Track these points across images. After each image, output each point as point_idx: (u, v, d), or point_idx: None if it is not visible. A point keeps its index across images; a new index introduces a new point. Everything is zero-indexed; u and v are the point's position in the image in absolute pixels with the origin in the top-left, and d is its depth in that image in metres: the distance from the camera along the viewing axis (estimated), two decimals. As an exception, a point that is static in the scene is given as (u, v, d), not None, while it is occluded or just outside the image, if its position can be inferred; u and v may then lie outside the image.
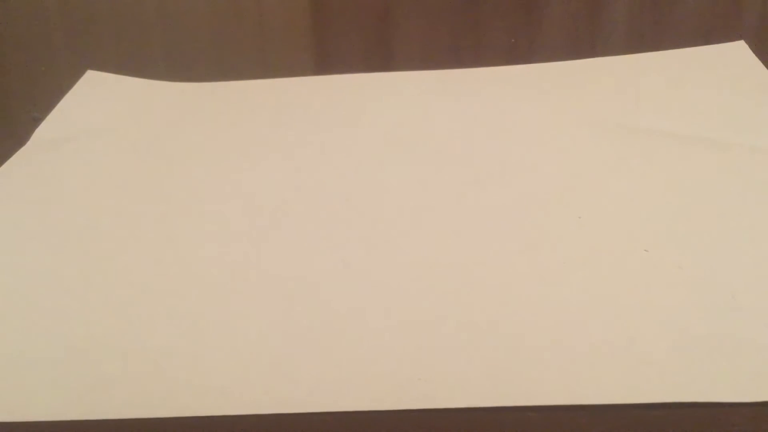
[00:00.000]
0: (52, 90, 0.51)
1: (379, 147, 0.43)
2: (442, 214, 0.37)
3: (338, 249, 0.35)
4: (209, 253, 0.36)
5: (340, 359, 0.29)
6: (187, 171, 0.42)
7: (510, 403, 0.27)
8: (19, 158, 0.44)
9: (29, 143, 0.46)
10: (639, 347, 0.29)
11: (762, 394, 0.27)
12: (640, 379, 0.28)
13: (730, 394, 0.27)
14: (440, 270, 0.34)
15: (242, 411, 0.28)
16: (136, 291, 0.34)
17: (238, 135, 0.46)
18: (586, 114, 0.45)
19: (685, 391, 0.27)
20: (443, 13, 0.63)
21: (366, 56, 0.58)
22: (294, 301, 0.33)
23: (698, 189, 0.38)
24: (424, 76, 0.51)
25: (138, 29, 0.64)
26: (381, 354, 0.30)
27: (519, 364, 0.29)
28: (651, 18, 0.59)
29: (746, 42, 0.50)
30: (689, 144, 0.41)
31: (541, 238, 0.35)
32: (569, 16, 0.62)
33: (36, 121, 0.48)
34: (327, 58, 0.60)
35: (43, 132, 0.47)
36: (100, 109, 0.49)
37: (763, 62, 0.48)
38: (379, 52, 0.59)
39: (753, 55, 0.49)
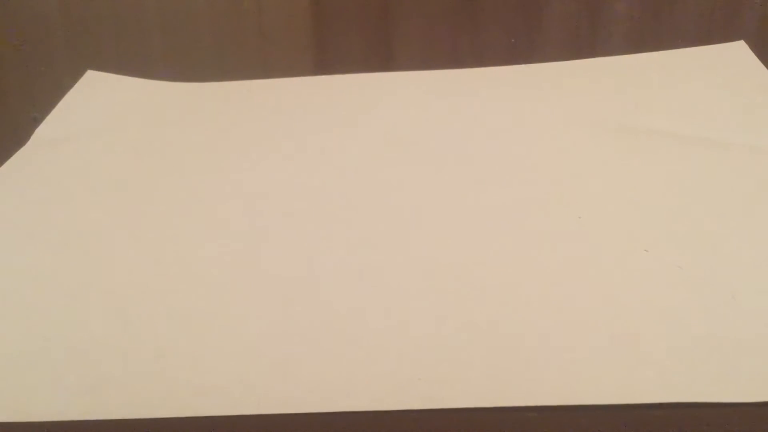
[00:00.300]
0: (52, 90, 0.51)
1: (379, 147, 0.43)
2: (441, 214, 0.37)
3: (338, 249, 0.35)
4: (209, 253, 0.36)
5: (340, 359, 0.30)
6: (187, 171, 0.42)
7: (510, 403, 0.27)
8: (19, 158, 0.44)
9: (29, 143, 0.46)
10: (639, 347, 0.29)
11: (762, 394, 0.27)
12: (640, 379, 0.28)
13: (730, 394, 0.27)
14: (440, 270, 0.34)
15: (242, 411, 0.28)
16: (136, 291, 0.34)
17: (238, 135, 0.46)
18: (586, 114, 0.45)
19: (685, 391, 0.27)
20: (443, 13, 0.63)
21: (366, 56, 0.58)
22: (294, 301, 0.33)
23: (698, 189, 0.38)
24: (424, 76, 0.51)
25: (138, 29, 0.64)
26: (381, 354, 0.30)
27: (519, 364, 0.29)
28: (651, 18, 0.59)
29: (746, 42, 0.50)
30: (689, 144, 0.41)
31: (541, 238, 0.35)
32: (569, 16, 0.62)
33: (36, 121, 0.48)
34: (327, 58, 0.60)
35: (43, 132, 0.47)
36: (100, 109, 0.49)
37: (763, 62, 0.48)
38: (379, 52, 0.59)
39: (753, 55, 0.49)
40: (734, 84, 0.47)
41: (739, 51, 0.50)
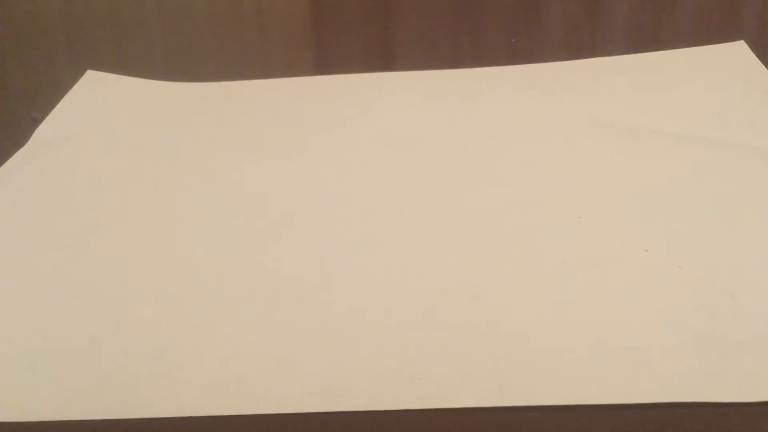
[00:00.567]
0: (52, 90, 0.51)
1: (378, 147, 0.43)
2: (441, 214, 0.37)
3: (338, 249, 0.35)
4: (209, 253, 0.36)
5: (339, 359, 0.29)
6: (186, 171, 0.42)
7: (510, 403, 0.27)
8: (19, 158, 0.44)
9: (29, 143, 0.46)
10: (639, 347, 0.29)
11: (762, 394, 0.27)
12: (640, 379, 0.28)
13: (730, 394, 0.27)
14: (440, 270, 0.34)
15: (242, 411, 0.28)
16: (136, 291, 0.34)
17: (238, 135, 0.46)
18: (586, 114, 0.45)
19: (685, 391, 0.27)
20: (443, 13, 0.63)
21: (366, 56, 0.58)
22: (294, 301, 0.33)
23: (698, 189, 0.38)
24: (424, 76, 0.51)
25: (138, 29, 0.64)
26: (380, 354, 0.30)
27: (519, 364, 0.29)
28: (651, 18, 0.59)
29: (746, 42, 0.50)
30: (689, 144, 0.41)
31: (541, 238, 0.35)
32: (569, 16, 0.62)
33: (36, 121, 0.48)
34: (327, 58, 0.60)
35: (43, 132, 0.47)
36: (100, 109, 0.49)
37: (763, 62, 0.48)
38: (379, 52, 0.59)
39: (753, 55, 0.49)
40: (734, 84, 0.47)
41: (739, 51, 0.50)
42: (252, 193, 0.40)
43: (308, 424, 0.27)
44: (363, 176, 0.41)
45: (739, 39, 0.51)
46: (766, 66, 0.48)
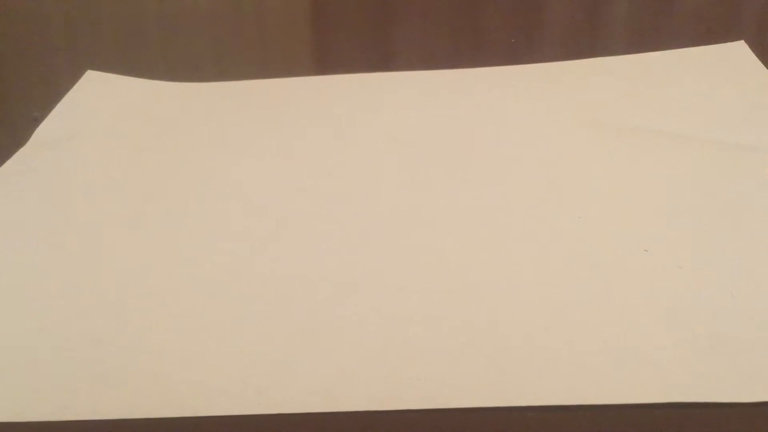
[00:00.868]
0: (52, 90, 0.51)
1: (378, 147, 0.43)
2: (441, 214, 0.37)
3: (338, 248, 0.35)
4: (209, 253, 0.36)
5: (339, 359, 0.29)
6: (186, 171, 0.42)
7: (510, 403, 0.27)
8: (19, 158, 0.44)
9: (29, 143, 0.46)
10: (639, 347, 0.29)
11: (762, 394, 0.27)
12: (640, 379, 0.28)
13: (730, 394, 0.27)
14: (440, 270, 0.34)
15: (242, 411, 0.28)
16: (136, 291, 0.34)
17: (238, 135, 0.46)
18: (586, 114, 0.45)
19: (685, 391, 0.27)
20: (443, 13, 0.63)
21: (366, 56, 0.58)
22: (294, 300, 0.33)
23: (698, 189, 0.38)
24: (424, 76, 0.51)
25: (138, 29, 0.64)
26: (380, 354, 0.30)
27: (519, 364, 0.29)
28: (651, 18, 0.59)
29: (746, 42, 0.50)
30: (689, 144, 0.41)
31: (541, 238, 0.35)
32: (569, 16, 0.62)
33: (36, 121, 0.48)
34: (327, 58, 0.60)
35: (43, 132, 0.47)
36: (100, 109, 0.49)
37: (763, 62, 0.48)
38: (379, 52, 0.59)
39: (753, 55, 0.49)
40: (734, 84, 0.47)
41: (739, 51, 0.50)
42: (251, 192, 0.40)
43: (308, 424, 0.27)
44: (362, 176, 0.41)
45: (739, 39, 0.51)
46: (766, 66, 0.48)
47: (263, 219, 0.38)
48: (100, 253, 0.36)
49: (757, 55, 0.49)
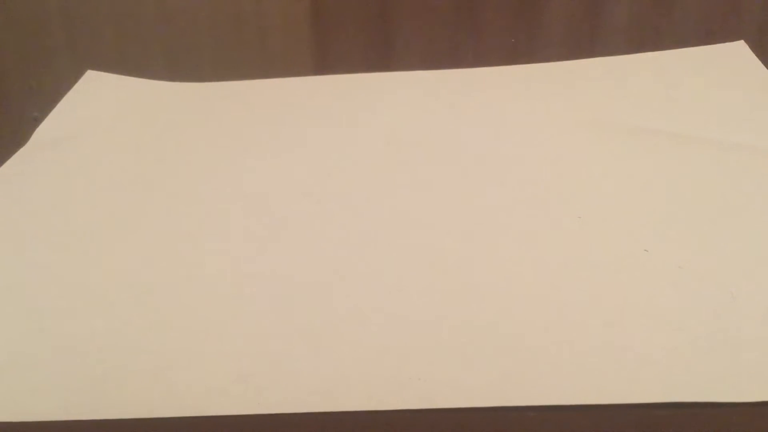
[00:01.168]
0: (52, 90, 0.51)
1: (378, 147, 0.43)
2: (441, 214, 0.37)
3: (338, 248, 0.35)
4: (208, 253, 0.36)
5: (339, 359, 0.29)
6: (186, 171, 0.42)
7: (510, 403, 0.27)
8: (19, 158, 0.44)
9: (29, 143, 0.46)
10: (639, 347, 0.29)
11: (762, 394, 0.27)
12: (640, 379, 0.28)
13: (730, 394, 0.27)
14: (440, 270, 0.34)
15: (242, 411, 0.28)
16: (136, 291, 0.34)
17: (238, 135, 0.46)
18: (585, 114, 0.45)
19: (685, 391, 0.27)
20: (443, 13, 0.63)
21: (366, 56, 0.58)
22: (294, 300, 0.33)
23: (698, 189, 0.38)
24: (424, 76, 0.51)
25: (138, 29, 0.64)
26: (380, 354, 0.30)
27: (519, 364, 0.29)
28: (651, 18, 0.59)
29: (746, 42, 0.50)
30: (689, 144, 0.41)
31: (541, 238, 0.35)
32: (569, 16, 0.62)
33: (36, 121, 0.48)
34: (327, 58, 0.60)
35: (43, 132, 0.47)
36: (100, 109, 0.49)
37: (763, 62, 0.48)
38: (379, 52, 0.59)
39: (753, 55, 0.49)
40: (734, 84, 0.47)
41: (739, 51, 0.50)
42: (251, 192, 0.40)
43: (308, 424, 0.27)
44: (362, 176, 0.41)
45: (739, 39, 0.51)
46: (766, 66, 0.48)
47: (263, 219, 0.38)
48: (100, 253, 0.36)
49: (757, 55, 0.49)
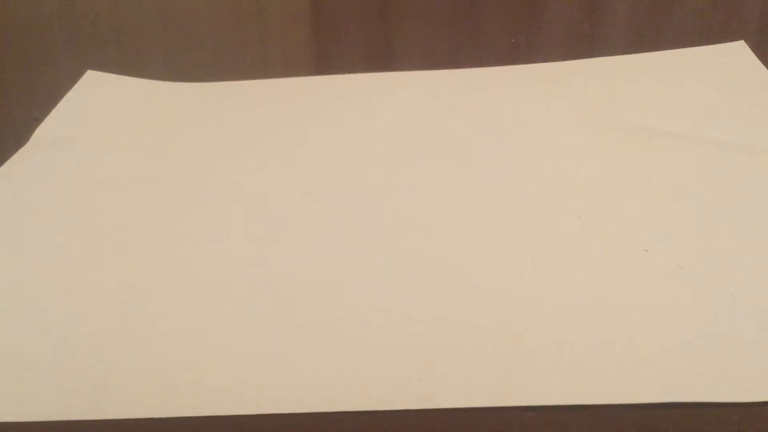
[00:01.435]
0: (52, 90, 0.51)
1: (379, 147, 0.43)
2: (441, 215, 0.37)
3: (338, 249, 0.35)
4: (209, 253, 0.36)
5: (339, 359, 0.29)
6: (186, 171, 0.42)
7: (510, 403, 0.27)
8: (19, 158, 0.44)
9: (29, 143, 0.46)
10: (639, 347, 0.29)
11: (762, 394, 0.27)
12: (640, 379, 0.28)
13: (730, 394, 0.27)
14: (440, 270, 0.34)
15: (242, 411, 0.28)
16: (137, 291, 0.34)
17: (238, 135, 0.46)
18: (586, 114, 0.45)
19: (685, 391, 0.27)
20: (443, 13, 0.63)
21: (366, 56, 0.58)
22: (294, 300, 0.33)
23: (698, 189, 0.38)
24: (424, 76, 0.51)
25: (138, 29, 0.64)
26: (380, 354, 0.30)
27: (519, 364, 0.29)
28: (651, 18, 0.59)
29: (746, 42, 0.50)
30: (689, 144, 0.41)
31: (541, 238, 0.35)
32: (569, 16, 0.62)
33: (36, 121, 0.48)
34: (327, 58, 0.60)
35: (43, 132, 0.47)
36: (100, 109, 0.49)
37: (763, 62, 0.48)
38: (379, 52, 0.59)
39: (753, 55, 0.49)
40: (734, 84, 0.47)
41: (739, 51, 0.50)
42: (251, 193, 0.40)
43: (308, 424, 0.27)
44: (362, 176, 0.41)
45: (739, 39, 0.51)
46: (766, 66, 0.48)
47: (263, 219, 0.38)
48: (100, 252, 0.36)
49: (757, 55, 0.49)
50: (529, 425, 0.27)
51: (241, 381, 0.29)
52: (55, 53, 0.61)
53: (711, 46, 0.51)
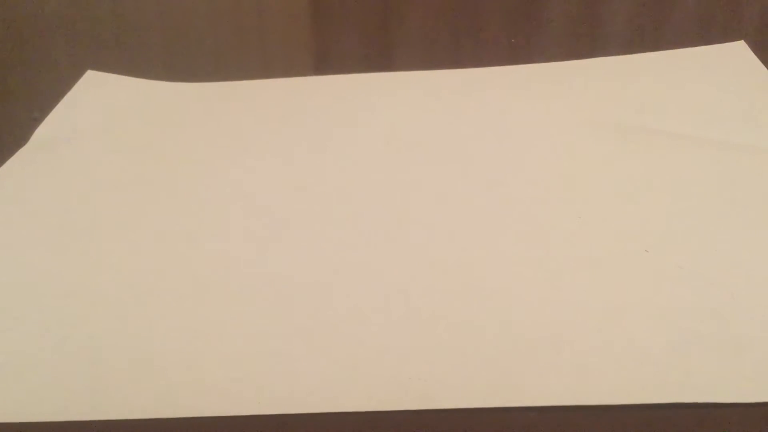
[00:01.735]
0: (52, 90, 0.51)
1: (379, 147, 0.43)
2: (441, 215, 0.37)
3: (338, 248, 0.35)
4: (209, 253, 0.36)
5: (339, 359, 0.30)
6: (186, 171, 0.42)
7: (510, 403, 0.27)
8: (19, 158, 0.44)
9: (29, 143, 0.46)
10: (639, 347, 0.29)
11: (762, 394, 0.27)
12: (640, 379, 0.28)
13: (730, 394, 0.27)
14: (440, 270, 0.34)
15: (242, 411, 0.28)
16: (136, 291, 0.34)
17: (238, 135, 0.46)
18: (585, 114, 0.45)
19: (685, 391, 0.27)
20: (443, 13, 0.63)
21: (366, 56, 0.58)
22: (294, 300, 0.33)
23: (698, 189, 0.38)
24: (424, 76, 0.51)
25: (138, 29, 0.64)
26: (380, 354, 0.30)
27: (519, 364, 0.29)
28: (651, 18, 0.59)
29: (746, 42, 0.50)
30: (689, 144, 0.41)
31: (541, 238, 0.35)
32: (569, 16, 0.62)
33: (36, 121, 0.48)
34: (327, 58, 0.60)
35: (43, 132, 0.47)
36: (100, 109, 0.49)
37: (763, 62, 0.48)
38: (379, 52, 0.59)
39: (753, 55, 0.49)
40: (734, 84, 0.47)
41: (739, 51, 0.50)
42: (251, 193, 0.40)
43: (308, 424, 0.27)
44: (362, 176, 0.41)
45: (739, 39, 0.51)
46: (766, 66, 0.48)
47: (263, 219, 0.38)
48: (100, 253, 0.36)
49: (757, 55, 0.49)
50: (529, 425, 0.27)
51: (241, 381, 0.29)
52: (55, 53, 0.61)
53: (711, 46, 0.51)
